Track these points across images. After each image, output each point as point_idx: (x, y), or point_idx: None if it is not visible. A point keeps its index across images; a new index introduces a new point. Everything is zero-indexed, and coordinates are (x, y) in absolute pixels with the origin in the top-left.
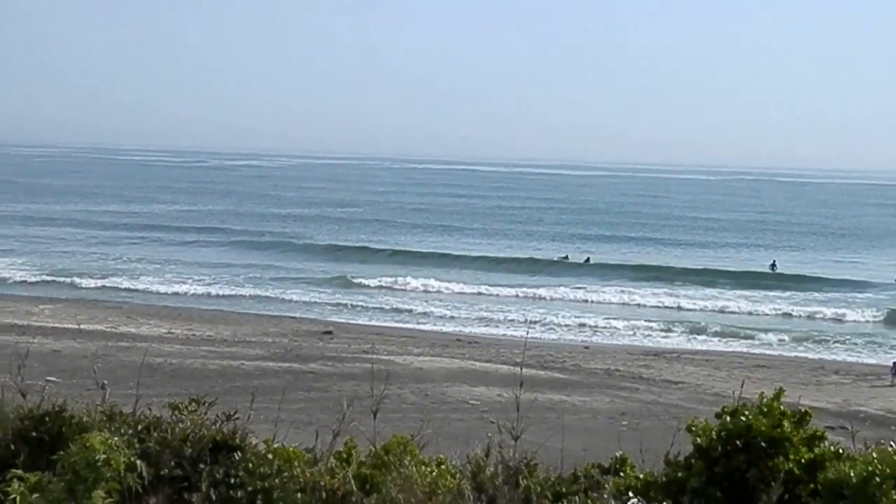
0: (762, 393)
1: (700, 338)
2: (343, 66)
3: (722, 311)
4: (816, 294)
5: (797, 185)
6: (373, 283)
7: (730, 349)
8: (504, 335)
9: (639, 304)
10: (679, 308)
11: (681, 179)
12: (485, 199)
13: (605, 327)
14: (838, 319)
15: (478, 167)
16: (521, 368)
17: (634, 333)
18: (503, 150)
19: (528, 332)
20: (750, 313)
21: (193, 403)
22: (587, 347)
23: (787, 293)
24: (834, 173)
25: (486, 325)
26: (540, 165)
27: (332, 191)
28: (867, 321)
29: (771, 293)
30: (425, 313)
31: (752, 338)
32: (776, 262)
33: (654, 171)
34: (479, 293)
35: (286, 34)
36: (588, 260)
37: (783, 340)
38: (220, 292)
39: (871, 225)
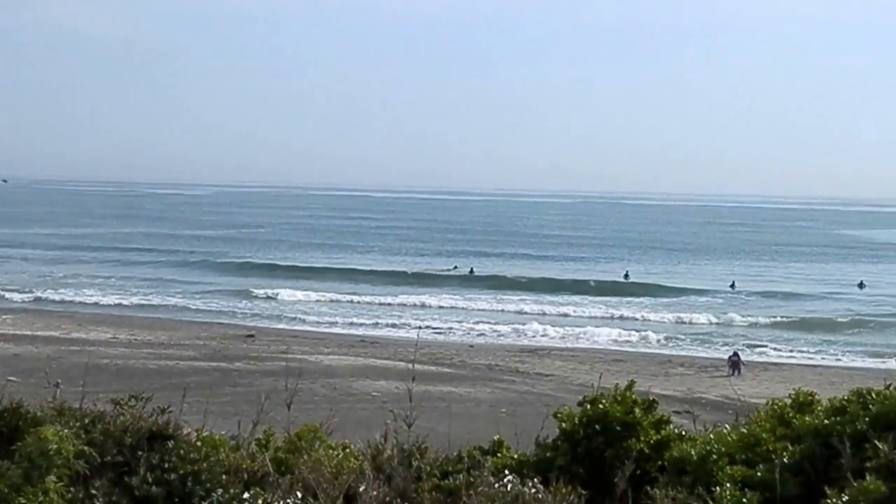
0: (617, 384)
1: (567, 335)
2: (256, 96)
3: (581, 315)
4: (664, 299)
5: (642, 207)
6: (286, 295)
7: (592, 346)
8: (401, 336)
9: (518, 311)
10: (544, 314)
11: (542, 202)
12: (377, 220)
13: (487, 329)
14: (683, 321)
15: (373, 193)
16: (414, 365)
17: (514, 333)
18: (392, 177)
19: (419, 335)
20: (611, 317)
21: (133, 399)
22: (471, 346)
23: (640, 298)
24: (671, 196)
25: (386, 328)
26: (422, 190)
27: (248, 214)
28: (707, 322)
29: (625, 299)
30: (333, 321)
31: (610, 336)
32: (629, 273)
33: (520, 195)
34: (379, 303)
35: (197, 68)
36: (472, 271)
37: (638, 339)
38: (156, 302)
39: (707, 241)
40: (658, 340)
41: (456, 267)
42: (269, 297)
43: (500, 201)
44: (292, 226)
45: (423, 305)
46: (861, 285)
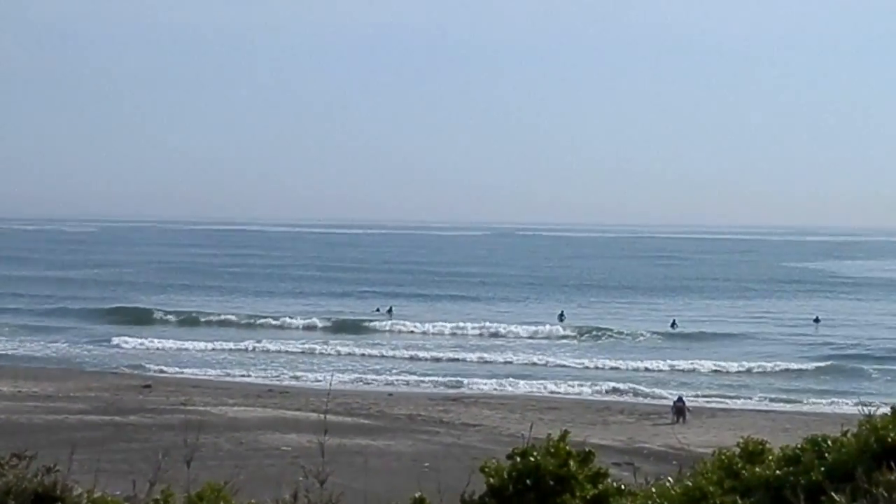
0: (549, 434)
1: (495, 382)
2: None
3: (511, 362)
4: (601, 341)
5: (561, 239)
6: (179, 343)
7: (523, 392)
8: (313, 385)
9: (443, 356)
10: (473, 361)
11: (455, 235)
12: (274, 259)
13: (408, 376)
14: (620, 367)
15: (266, 228)
16: (325, 416)
17: (438, 380)
18: (283, 210)
19: (330, 383)
20: (545, 364)
21: (15, 458)
22: (391, 395)
23: (574, 342)
24: (590, 227)
25: (297, 376)
26: (320, 224)
27: (122, 253)
28: (648, 366)
29: (559, 342)
30: (241, 364)
31: (543, 380)
32: (564, 313)
33: (423, 227)
34: (287, 350)
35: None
36: (391, 311)
37: (572, 384)
38: (39, 352)
39: (643, 276)
40: (595, 386)
41: (378, 309)
42: (161, 348)
43: (403, 235)
44: (175, 265)
45: (338, 354)
46: (817, 320)
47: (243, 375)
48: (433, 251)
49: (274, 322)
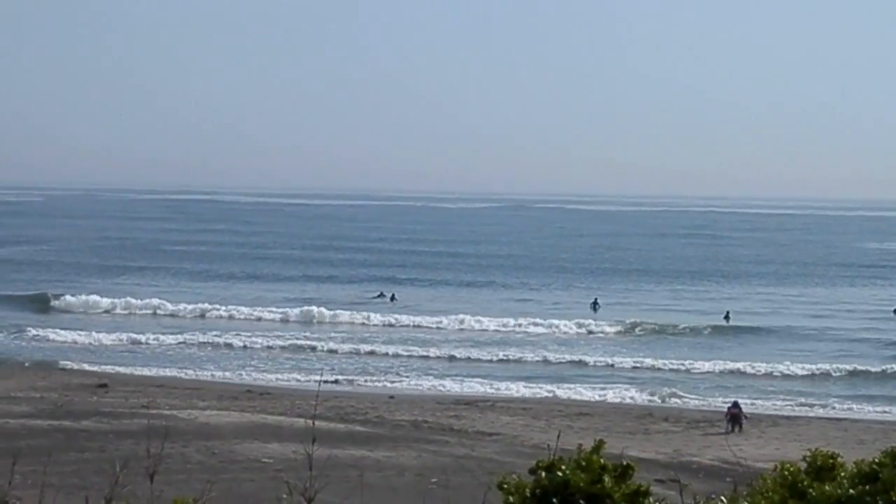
0: (580, 445)
1: (516, 383)
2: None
3: (534, 359)
4: (644, 337)
5: (581, 213)
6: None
7: (549, 395)
8: (300, 385)
9: (444, 355)
10: (489, 359)
11: (467, 209)
12: (240, 234)
13: (414, 374)
14: (666, 367)
15: (227, 196)
16: (314, 422)
17: (448, 378)
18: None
19: (320, 383)
20: (576, 362)
21: None
22: (392, 397)
23: (611, 335)
24: (616, 200)
25: (278, 376)
26: (300, 194)
27: (58, 227)
28: (700, 365)
29: (591, 337)
30: (213, 361)
31: (573, 382)
32: (598, 301)
33: (420, 198)
34: (268, 345)
35: None
36: (393, 298)
37: (607, 386)
38: None
39: (681, 258)
40: (636, 389)
41: (381, 294)
42: (118, 342)
43: (399, 207)
44: (131, 241)
45: (328, 347)
46: None
47: (216, 373)
48: (437, 227)
49: (251, 311)
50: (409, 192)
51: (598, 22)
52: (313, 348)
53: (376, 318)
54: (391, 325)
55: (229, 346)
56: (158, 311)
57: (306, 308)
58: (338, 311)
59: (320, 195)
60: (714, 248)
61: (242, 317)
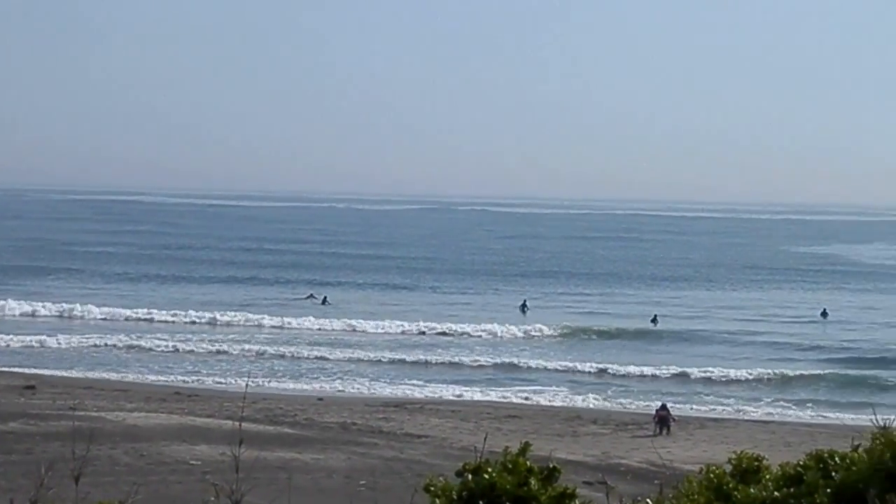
0: (507, 447)
1: (445, 386)
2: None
3: (464, 362)
4: (572, 339)
5: (510, 216)
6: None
7: (478, 398)
8: (228, 387)
9: (374, 358)
10: (419, 361)
11: (388, 210)
12: (159, 235)
13: (343, 375)
14: (591, 370)
15: (145, 197)
16: (241, 424)
17: (377, 381)
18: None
19: (247, 385)
20: (504, 364)
21: None
22: (321, 399)
23: (542, 336)
24: (540, 202)
25: (206, 377)
26: (212, 195)
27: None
28: (627, 368)
29: (519, 339)
30: (141, 362)
31: (502, 384)
32: (527, 303)
33: (326, 199)
34: (195, 350)
35: None
36: (325, 300)
37: (535, 389)
38: None
39: (614, 260)
40: (564, 391)
41: (312, 295)
42: (41, 344)
43: (318, 209)
44: (49, 243)
45: (256, 349)
46: (824, 314)
47: (144, 375)
48: (364, 229)
49: (175, 314)
50: (333, 194)
51: (526, 25)
52: (240, 351)
53: (305, 320)
54: (320, 329)
55: (154, 349)
56: (74, 314)
57: (231, 311)
58: (265, 313)
59: (245, 196)
60: (641, 251)
61: (168, 319)
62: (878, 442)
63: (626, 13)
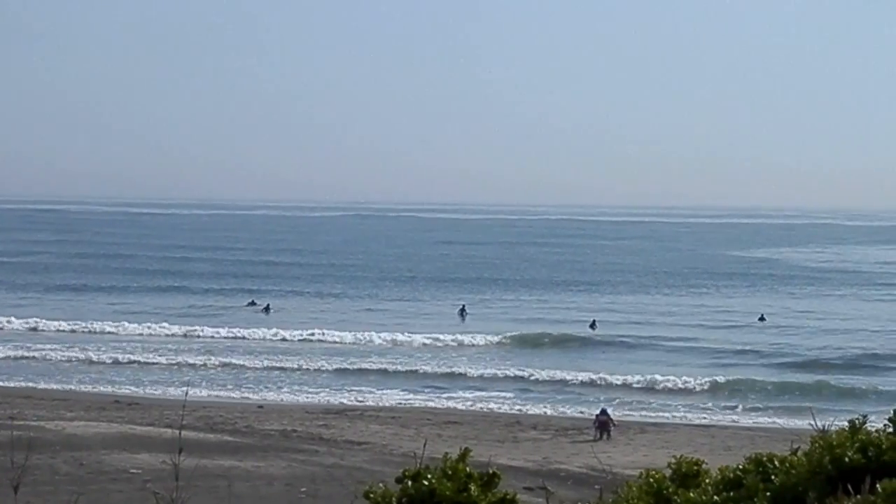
0: (446, 453)
1: (385, 392)
2: None
3: (403, 369)
4: (508, 345)
5: (435, 221)
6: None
7: (419, 404)
8: (168, 395)
9: (316, 367)
10: (359, 368)
11: (314, 217)
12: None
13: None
14: (538, 377)
15: (71, 206)
16: (180, 431)
17: (319, 388)
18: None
19: (186, 392)
20: (445, 372)
21: None
22: (261, 406)
23: (480, 342)
24: (465, 208)
25: (146, 386)
26: (130, 203)
27: None
28: (567, 374)
29: (459, 346)
30: (80, 372)
31: (442, 390)
32: (465, 307)
33: (245, 206)
34: (135, 360)
35: None
36: (268, 308)
37: (476, 394)
38: None
39: (543, 266)
40: (504, 397)
41: (253, 302)
42: None
43: (241, 216)
44: None
45: (197, 358)
46: (762, 319)
47: (84, 385)
48: (294, 236)
49: (113, 324)
50: (264, 201)
51: (456, 33)
52: (181, 360)
53: (246, 329)
54: (262, 338)
55: (92, 359)
56: (31, 322)
57: (169, 321)
58: (205, 323)
59: (175, 205)
60: (576, 256)
61: (108, 330)
62: (816, 445)
63: (548, 22)
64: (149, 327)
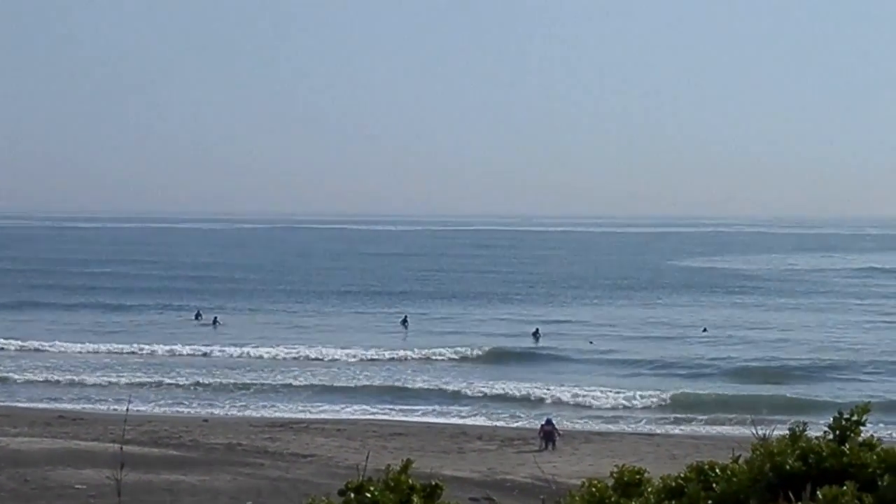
0: (388, 465)
1: (330, 405)
2: None
3: (348, 383)
4: (451, 355)
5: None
6: None
7: (364, 417)
8: (112, 410)
9: (259, 381)
10: (305, 383)
11: (192, 229)
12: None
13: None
14: (472, 386)
15: None
16: (122, 446)
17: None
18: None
19: (128, 408)
20: (390, 384)
21: None
22: (206, 420)
23: (422, 350)
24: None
25: (90, 401)
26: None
27: None
28: (509, 385)
29: (403, 358)
30: (22, 386)
31: (388, 402)
32: (407, 318)
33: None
34: (73, 378)
35: None
36: (215, 321)
37: (421, 406)
38: None
39: (484, 275)
40: (450, 408)
41: (199, 314)
42: None
43: (164, 229)
44: None
45: (142, 373)
46: (705, 330)
47: (28, 401)
48: (221, 249)
49: (49, 341)
50: (170, 213)
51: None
52: (127, 377)
53: (189, 345)
54: (205, 354)
55: (35, 379)
56: None
57: (112, 337)
58: (149, 338)
59: (99, 218)
60: (510, 267)
61: (46, 348)
62: (757, 453)
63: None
64: (89, 344)
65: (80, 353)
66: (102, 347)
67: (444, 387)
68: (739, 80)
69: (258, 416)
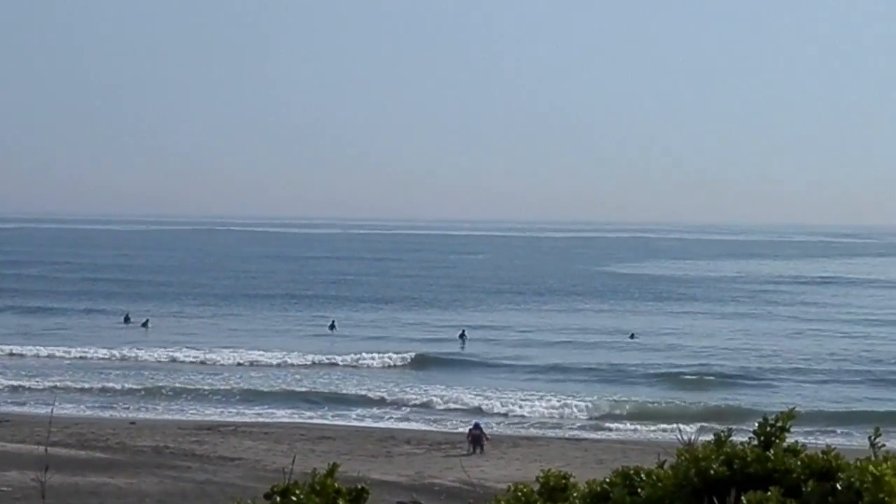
0: (314, 469)
1: (257, 409)
2: None
3: (276, 387)
4: (377, 359)
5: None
6: None
7: (292, 420)
8: (37, 412)
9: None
10: (232, 387)
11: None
12: None
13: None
14: (401, 389)
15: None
16: (47, 448)
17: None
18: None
19: (52, 410)
20: (318, 388)
21: None
22: (133, 423)
23: (347, 355)
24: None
25: (16, 403)
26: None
27: None
28: (437, 389)
29: (331, 361)
30: None
31: (316, 406)
32: (335, 323)
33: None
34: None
35: None
36: (147, 323)
37: (350, 409)
38: None
39: (410, 280)
40: (378, 412)
41: (128, 318)
42: None
43: (77, 230)
44: None
45: (68, 375)
46: (632, 337)
47: None
48: (149, 251)
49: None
50: (89, 215)
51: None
52: (52, 381)
53: (116, 348)
54: (135, 356)
55: None
56: None
57: (35, 341)
58: (77, 340)
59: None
60: (432, 272)
61: None
62: (683, 458)
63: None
64: (15, 347)
65: (8, 355)
66: (29, 350)
67: (372, 391)
68: (671, 89)
69: (186, 419)
